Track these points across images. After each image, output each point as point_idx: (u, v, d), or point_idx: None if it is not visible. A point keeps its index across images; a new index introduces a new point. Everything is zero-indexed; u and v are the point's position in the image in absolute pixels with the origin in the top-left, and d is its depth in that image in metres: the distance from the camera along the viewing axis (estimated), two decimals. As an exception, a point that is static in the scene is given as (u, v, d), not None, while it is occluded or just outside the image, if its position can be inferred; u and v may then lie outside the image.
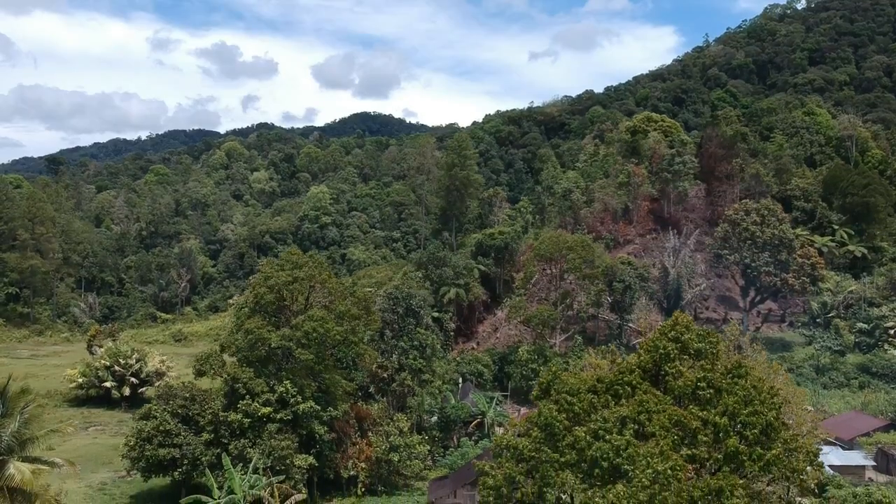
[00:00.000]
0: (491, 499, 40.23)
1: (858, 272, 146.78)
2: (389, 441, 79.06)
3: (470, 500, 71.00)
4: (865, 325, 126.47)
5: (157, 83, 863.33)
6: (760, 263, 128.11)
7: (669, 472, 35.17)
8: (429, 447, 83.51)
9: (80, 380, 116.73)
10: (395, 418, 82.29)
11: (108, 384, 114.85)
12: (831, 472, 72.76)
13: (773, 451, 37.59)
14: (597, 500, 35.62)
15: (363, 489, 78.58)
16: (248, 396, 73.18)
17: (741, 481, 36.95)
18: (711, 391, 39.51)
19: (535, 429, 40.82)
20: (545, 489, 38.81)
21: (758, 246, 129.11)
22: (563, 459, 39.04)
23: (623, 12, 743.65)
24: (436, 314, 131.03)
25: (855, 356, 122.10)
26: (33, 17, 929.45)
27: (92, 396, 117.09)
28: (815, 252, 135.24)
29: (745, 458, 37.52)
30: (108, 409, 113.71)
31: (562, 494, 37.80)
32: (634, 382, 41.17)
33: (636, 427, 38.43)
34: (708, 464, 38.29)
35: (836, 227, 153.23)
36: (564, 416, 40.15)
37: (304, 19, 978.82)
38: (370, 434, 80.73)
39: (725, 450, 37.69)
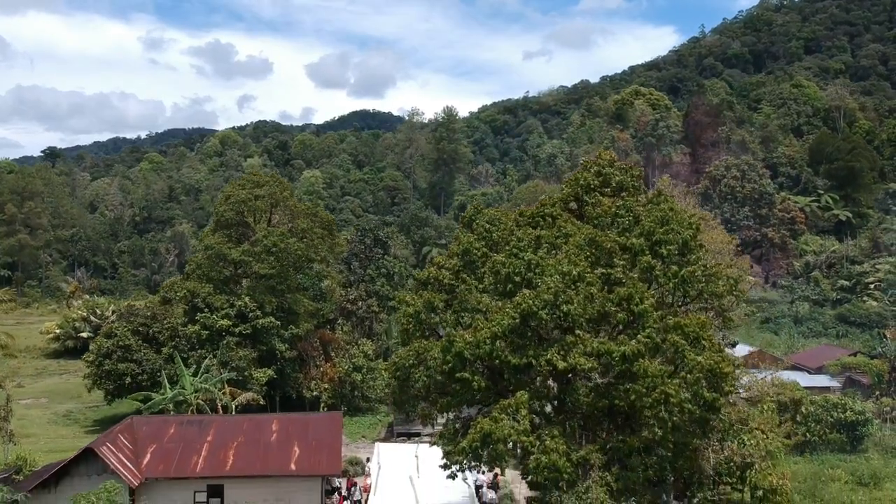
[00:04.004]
0: (410, 326, 39.81)
1: (843, 237, 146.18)
2: (353, 363, 78.71)
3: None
4: (846, 282, 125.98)
5: (154, 83, 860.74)
6: (740, 218, 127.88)
7: (576, 274, 34.88)
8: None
9: (57, 331, 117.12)
10: (360, 343, 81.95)
11: (84, 335, 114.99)
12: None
13: (689, 269, 37.10)
14: (507, 309, 35.39)
15: (325, 409, 78.05)
16: (206, 310, 73.08)
17: (651, 291, 36.62)
18: (631, 217, 39.14)
19: (455, 258, 40.62)
20: (462, 314, 38.55)
21: (738, 201, 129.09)
22: (481, 286, 38.82)
23: (618, 11, 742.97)
24: (417, 274, 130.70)
25: (835, 310, 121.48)
26: (29, 17, 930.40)
27: (69, 348, 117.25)
28: (796, 208, 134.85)
29: (658, 273, 37.09)
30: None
31: (476, 315, 37.37)
32: (555, 214, 40.97)
33: (553, 250, 38.16)
34: (624, 283, 37.89)
35: (821, 192, 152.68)
36: (483, 243, 39.94)
37: (303, 19, 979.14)
38: (334, 357, 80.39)
39: (639, 267, 37.32)
